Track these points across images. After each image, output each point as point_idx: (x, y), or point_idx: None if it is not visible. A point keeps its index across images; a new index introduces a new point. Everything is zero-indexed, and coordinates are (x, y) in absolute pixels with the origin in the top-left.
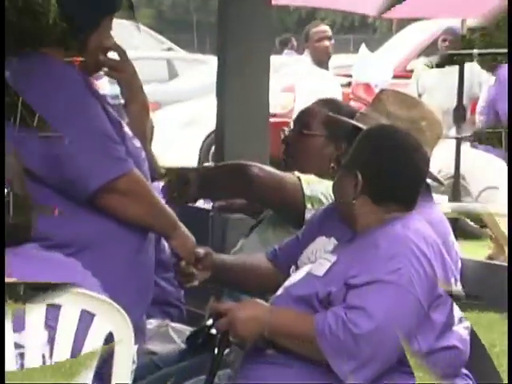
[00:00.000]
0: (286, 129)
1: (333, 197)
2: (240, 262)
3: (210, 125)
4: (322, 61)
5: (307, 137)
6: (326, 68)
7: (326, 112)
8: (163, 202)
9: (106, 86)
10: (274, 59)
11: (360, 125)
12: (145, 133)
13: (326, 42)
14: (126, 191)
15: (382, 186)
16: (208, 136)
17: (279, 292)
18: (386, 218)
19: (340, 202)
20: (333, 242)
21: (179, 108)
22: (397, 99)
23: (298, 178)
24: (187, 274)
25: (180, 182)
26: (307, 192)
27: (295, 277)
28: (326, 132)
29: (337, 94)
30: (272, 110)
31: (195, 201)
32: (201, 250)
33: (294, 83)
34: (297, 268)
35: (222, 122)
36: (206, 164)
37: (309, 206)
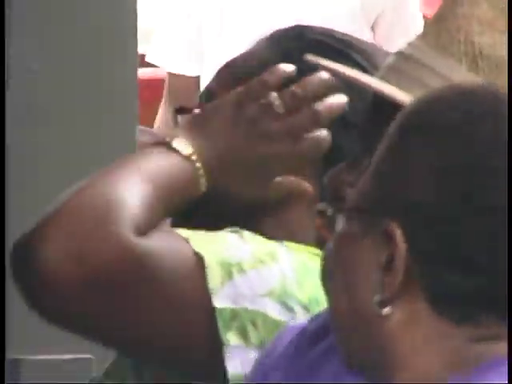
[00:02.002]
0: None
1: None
2: None
3: None
4: None
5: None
6: None
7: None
8: None
9: None
10: None
11: (388, 90)
12: None
13: None
14: None
15: (470, 270)
16: None
17: None
18: (473, 361)
19: (342, 313)
20: None
21: None
22: (489, 5)
23: (225, 264)
24: None
25: None
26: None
27: None
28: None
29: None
30: (142, 50)
31: None
32: None
33: None
34: None
35: None
36: None
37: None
